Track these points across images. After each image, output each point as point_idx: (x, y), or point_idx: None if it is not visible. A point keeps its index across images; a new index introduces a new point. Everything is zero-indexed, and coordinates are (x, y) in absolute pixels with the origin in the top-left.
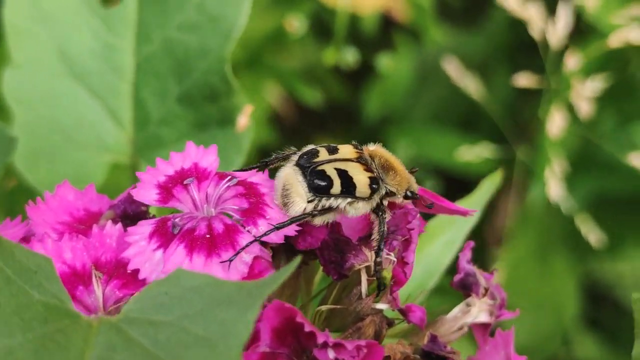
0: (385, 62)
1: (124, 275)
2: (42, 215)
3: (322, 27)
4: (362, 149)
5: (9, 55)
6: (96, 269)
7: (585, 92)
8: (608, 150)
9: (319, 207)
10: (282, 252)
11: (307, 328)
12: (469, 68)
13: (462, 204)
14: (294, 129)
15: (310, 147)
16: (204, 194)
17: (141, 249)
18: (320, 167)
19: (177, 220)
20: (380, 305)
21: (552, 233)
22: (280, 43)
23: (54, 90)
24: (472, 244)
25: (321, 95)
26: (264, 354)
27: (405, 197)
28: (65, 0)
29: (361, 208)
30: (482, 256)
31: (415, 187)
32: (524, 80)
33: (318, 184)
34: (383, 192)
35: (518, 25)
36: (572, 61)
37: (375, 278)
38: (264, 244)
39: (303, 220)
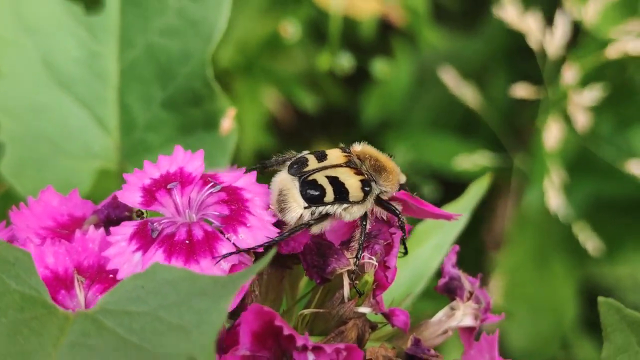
0: (380, 67)
1: (106, 280)
2: (26, 221)
3: (320, 32)
4: (350, 152)
5: None
6: (78, 273)
7: (583, 103)
8: (606, 156)
9: (316, 215)
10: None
11: (286, 331)
12: (467, 73)
13: (450, 208)
14: (293, 134)
15: (298, 155)
16: (186, 199)
17: (121, 250)
18: (311, 177)
19: (155, 224)
20: (363, 309)
21: (551, 238)
22: (277, 48)
23: (40, 99)
24: (457, 248)
25: (319, 100)
26: (244, 357)
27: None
28: (49, 9)
29: (356, 212)
30: (481, 261)
31: (403, 178)
32: (521, 91)
33: (311, 194)
34: (376, 193)
35: (516, 31)
36: (570, 73)
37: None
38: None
39: (301, 231)
